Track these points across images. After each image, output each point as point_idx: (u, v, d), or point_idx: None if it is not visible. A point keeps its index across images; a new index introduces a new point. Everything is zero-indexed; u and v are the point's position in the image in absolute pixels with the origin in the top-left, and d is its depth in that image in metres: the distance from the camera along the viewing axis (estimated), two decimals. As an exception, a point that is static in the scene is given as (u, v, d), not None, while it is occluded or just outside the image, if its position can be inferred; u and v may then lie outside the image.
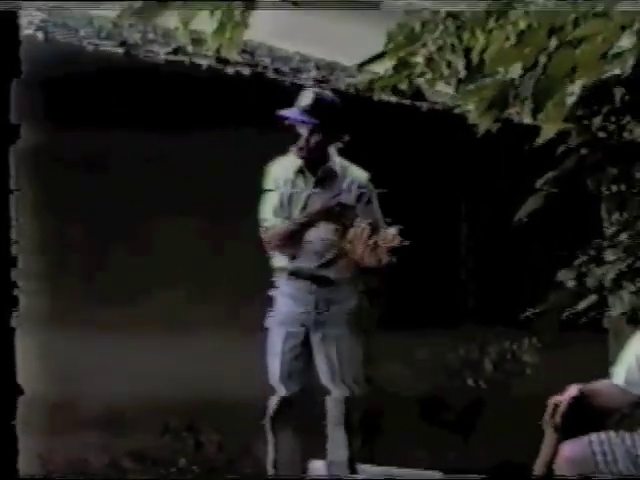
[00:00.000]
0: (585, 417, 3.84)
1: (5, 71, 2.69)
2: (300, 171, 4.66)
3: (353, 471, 4.66)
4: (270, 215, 4.63)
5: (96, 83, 6.01)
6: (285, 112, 4.64)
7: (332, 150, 4.70)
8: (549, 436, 3.83)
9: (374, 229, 4.53)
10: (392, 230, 4.53)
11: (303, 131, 4.59)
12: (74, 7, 6.24)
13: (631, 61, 4.25)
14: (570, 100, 4.73)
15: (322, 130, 4.56)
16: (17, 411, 2.77)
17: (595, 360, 5.48)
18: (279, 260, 4.68)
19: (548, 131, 5.31)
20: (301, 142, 4.59)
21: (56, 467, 6.07)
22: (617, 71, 4.49)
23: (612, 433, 3.74)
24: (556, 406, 3.83)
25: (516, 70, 4.90)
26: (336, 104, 4.74)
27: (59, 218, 6.00)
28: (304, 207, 4.64)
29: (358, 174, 4.72)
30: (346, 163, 4.73)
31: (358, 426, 4.65)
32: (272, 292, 4.70)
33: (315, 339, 4.61)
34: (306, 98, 4.66)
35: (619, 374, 3.87)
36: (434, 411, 7.29)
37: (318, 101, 4.64)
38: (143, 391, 5.96)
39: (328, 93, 4.87)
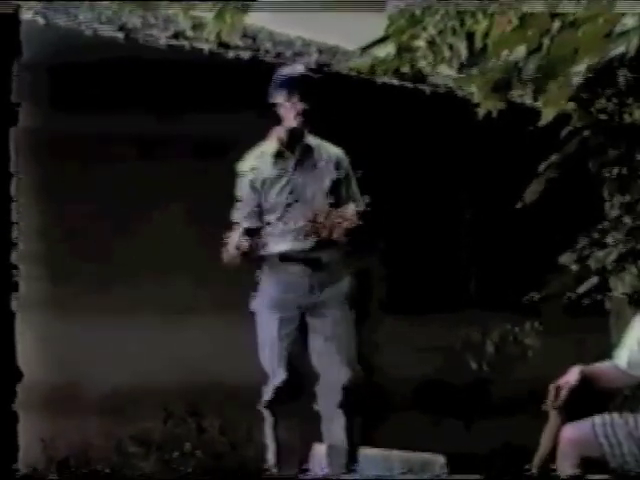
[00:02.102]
0: (588, 399, 3.85)
1: (6, 54, 2.68)
2: (278, 154, 4.68)
3: (353, 455, 4.65)
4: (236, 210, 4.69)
5: (96, 67, 5.99)
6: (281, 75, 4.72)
7: (307, 130, 4.73)
8: (552, 418, 3.84)
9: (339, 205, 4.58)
10: (351, 209, 4.56)
11: (284, 108, 4.62)
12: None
13: (636, 40, 4.23)
14: (576, 80, 4.72)
15: (310, 97, 4.59)
16: (18, 396, 2.77)
17: (597, 342, 5.49)
18: (268, 249, 4.65)
19: (549, 112, 5.31)
20: (290, 109, 4.61)
21: (58, 452, 6.08)
22: (622, 49, 4.47)
23: (615, 415, 3.75)
24: (559, 388, 3.83)
25: (519, 52, 4.89)
26: (310, 75, 4.79)
27: (59, 201, 6.00)
28: (285, 186, 4.65)
29: (333, 150, 4.76)
30: (320, 140, 4.76)
31: (356, 409, 4.64)
32: (258, 275, 4.70)
33: (310, 323, 4.60)
34: (280, 73, 4.76)
35: (621, 357, 3.87)
36: (436, 394, 7.29)
37: (291, 72, 4.74)
38: (146, 376, 5.96)
39: (301, 66, 4.93)
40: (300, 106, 4.61)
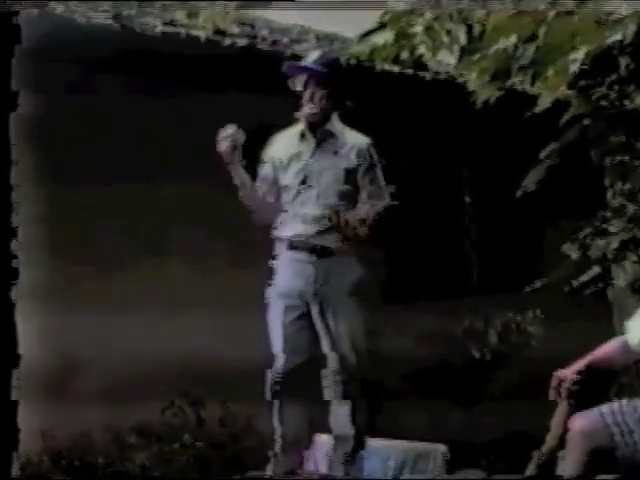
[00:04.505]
0: (593, 385, 3.80)
1: (5, 42, 2.66)
2: (302, 135, 4.66)
3: (360, 445, 4.62)
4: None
5: (91, 55, 5.96)
6: (293, 64, 4.70)
7: (334, 116, 4.69)
8: (561, 408, 3.79)
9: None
10: (364, 209, 4.55)
11: (309, 88, 4.60)
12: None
13: (632, 27, 4.21)
14: (573, 67, 4.70)
15: (329, 84, 4.58)
16: (18, 386, 2.74)
17: (599, 331, 5.46)
18: (279, 230, 4.65)
19: (547, 98, 5.29)
20: (307, 96, 4.59)
21: (57, 443, 6.06)
22: (618, 37, 4.45)
23: (624, 402, 3.69)
24: (561, 382, 3.78)
25: (517, 39, 4.88)
26: (340, 61, 4.88)
27: (59, 189, 5.97)
28: (301, 169, 4.63)
29: (358, 139, 4.70)
30: (347, 129, 4.71)
31: (362, 399, 4.61)
32: (272, 263, 4.67)
33: (315, 312, 4.57)
34: (312, 54, 4.78)
35: (634, 333, 3.78)
36: (438, 383, 7.27)
37: (324, 55, 4.77)
38: (145, 366, 5.94)
39: (316, 53, 4.91)
40: (319, 93, 4.59)
